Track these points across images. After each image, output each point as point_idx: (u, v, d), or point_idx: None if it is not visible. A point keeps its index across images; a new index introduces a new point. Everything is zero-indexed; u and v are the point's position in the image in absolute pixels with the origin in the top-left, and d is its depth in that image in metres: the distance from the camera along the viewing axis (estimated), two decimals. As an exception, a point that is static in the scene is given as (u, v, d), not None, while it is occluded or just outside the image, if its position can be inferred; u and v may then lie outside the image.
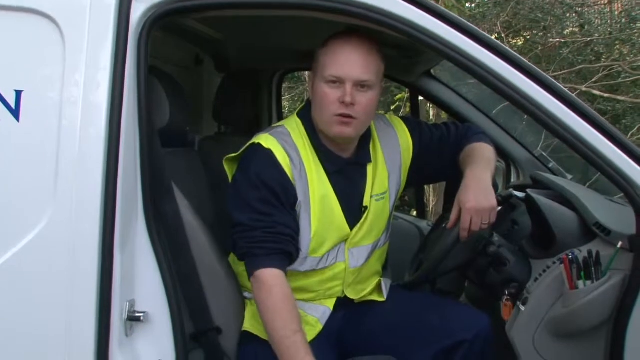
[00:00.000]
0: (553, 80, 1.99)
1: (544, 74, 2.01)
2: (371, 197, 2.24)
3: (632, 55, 8.89)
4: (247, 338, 2.18)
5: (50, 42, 1.90)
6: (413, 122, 2.40)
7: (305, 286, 2.22)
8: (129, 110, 1.90)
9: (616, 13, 10.48)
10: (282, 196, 2.07)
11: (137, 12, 1.92)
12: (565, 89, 2.00)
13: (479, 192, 2.08)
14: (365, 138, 2.23)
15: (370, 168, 2.25)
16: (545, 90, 1.96)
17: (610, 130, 1.97)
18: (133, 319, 1.89)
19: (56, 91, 1.89)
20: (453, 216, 2.12)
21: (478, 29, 1.96)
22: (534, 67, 1.99)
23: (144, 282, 1.93)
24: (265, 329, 2.05)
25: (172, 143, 2.53)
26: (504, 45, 2.00)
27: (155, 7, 1.93)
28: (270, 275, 2.02)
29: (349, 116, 2.07)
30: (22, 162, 1.89)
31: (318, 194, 2.13)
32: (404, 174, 2.34)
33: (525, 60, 2.00)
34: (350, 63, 2.07)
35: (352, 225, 2.21)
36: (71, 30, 1.90)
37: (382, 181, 2.27)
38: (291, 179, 2.10)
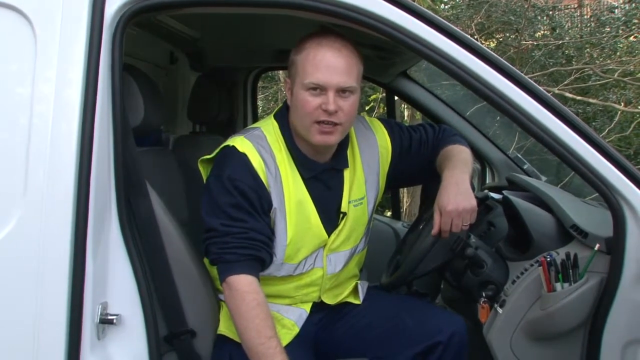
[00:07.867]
0: (532, 82, 1.99)
1: (522, 75, 2.00)
2: (349, 202, 2.21)
3: (601, 59, 8.99)
4: (221, 341, 2.15)
5: (21, 38, 1.85)
6: (393, 125, 2.37)
7: (282, 292, 2.19)
8: (102, 108, 1.85)
9: (586, 17, 10.61)
10: (256, 202, 2.03)
11: (112, 8, 1.88)
12: (544, 91, 2.00)
13: (458, 194, 2.07)
14: (344, 142, 2.19)
15: (347, 173, 2.22)
16: (523, 91, 1.96)
17: (588, 133, 1.97)
18: (105, 321, 1.85)
19: (27, 88, 1.84)
20: (436, 222, 2.09)
21: (459, 30, 1.95)
22: (512, 67, 1.99)
23: (116, 283, 1.89)
24: (238, 336, 2.02)
25: (146, 142, 2.50)
26: (484, 47, 1.99)
27: (131, 3, 1.89)
28: (243, 282, 1.98)
29: (333, 123, 2.03)
30: (-10, 160, 1.84)
31: (294, 200, 2.10)
32: (382, 179, 2.31)
33: (503, 61, 1.99)
34: (331, 70, 2.01)
35: (329, 231, 2.18)
36: (43, 25, 1.85)
37: (359, 187, 2.24)
38: (266, 185, 2.06)
